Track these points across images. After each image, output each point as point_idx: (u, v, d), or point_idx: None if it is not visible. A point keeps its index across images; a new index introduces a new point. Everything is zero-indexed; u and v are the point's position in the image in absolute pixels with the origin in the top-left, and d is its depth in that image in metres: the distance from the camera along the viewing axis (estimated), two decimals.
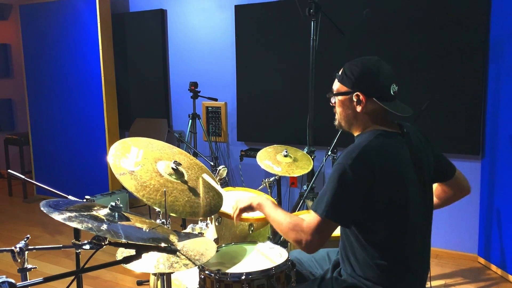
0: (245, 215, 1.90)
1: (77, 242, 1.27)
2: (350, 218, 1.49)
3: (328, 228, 1.48)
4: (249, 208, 1.79)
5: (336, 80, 1.65)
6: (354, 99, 1.57)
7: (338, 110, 1.65)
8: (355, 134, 1.65)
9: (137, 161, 1.74)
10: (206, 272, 1.73)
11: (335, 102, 1.66)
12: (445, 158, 1.74)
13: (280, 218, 1.61)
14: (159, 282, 1.94)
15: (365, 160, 1.45)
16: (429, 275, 1.65)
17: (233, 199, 1.91)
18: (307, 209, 3.12)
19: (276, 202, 1.77)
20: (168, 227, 1.63)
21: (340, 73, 1.63)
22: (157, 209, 1.69)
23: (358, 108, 1.57)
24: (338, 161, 1.49)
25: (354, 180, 1.44)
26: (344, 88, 1.60)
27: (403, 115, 1.54)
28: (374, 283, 1.51)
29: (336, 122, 1.70)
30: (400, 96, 1.59)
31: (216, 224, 2.25)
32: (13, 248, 1.28)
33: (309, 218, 1.51)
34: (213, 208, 1.85)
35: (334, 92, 1.65)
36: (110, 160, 1.67)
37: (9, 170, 1.71)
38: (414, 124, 1.72)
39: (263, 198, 1.79)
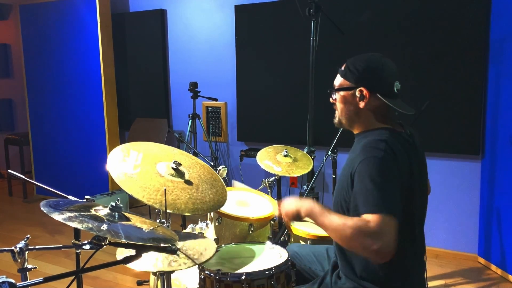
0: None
1: (77, 242, 1.27)
2: (400, 208, 1.36)
3: (393, 225, 1.29)
4: (297, 217, 1.55)
5: (338, 76, 1.60)
6: (357, 94, 1.52)
7: (339, 106, 1.60)
8: (356, 132, 1.60)
9: (137, 164, 1.73)
10: (206, 272, 1.73)
11: (336, 99, 1.60)
12: None
13: (338, 224, 1.37)
14: (159, 282, 1.94)
15: (392, 152, 1.40)
16: (425, 275, 1.64)
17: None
18: None
19: (321, 205, 1.49)
20: (168, 227, 1.63)
21: (343, 68, 1.58)
22: (157, 209, 1.69)
23: (361, 104, 1.52)
24: (365, 157, 1.39)
25: (392, 169, 1.37)
26: (347, 83, 1.55)
27: (407, 113, 1.50)
28: (374, 285, 1.50)
29: (336, 120, 1.63)
30: (401, 96, 1.58)
31: (216, 224, 2.25)
32: (13, 248, 1.28)
33: (372, 220, 1.30)
34: (217, 204, 1.82)
35: (336, 87, 1.59)
36: (109, 168, 1.66)
37: (9, 170, 1.71)
38: (413, 123, 1.71)
39: (310, 204, 1.50)
